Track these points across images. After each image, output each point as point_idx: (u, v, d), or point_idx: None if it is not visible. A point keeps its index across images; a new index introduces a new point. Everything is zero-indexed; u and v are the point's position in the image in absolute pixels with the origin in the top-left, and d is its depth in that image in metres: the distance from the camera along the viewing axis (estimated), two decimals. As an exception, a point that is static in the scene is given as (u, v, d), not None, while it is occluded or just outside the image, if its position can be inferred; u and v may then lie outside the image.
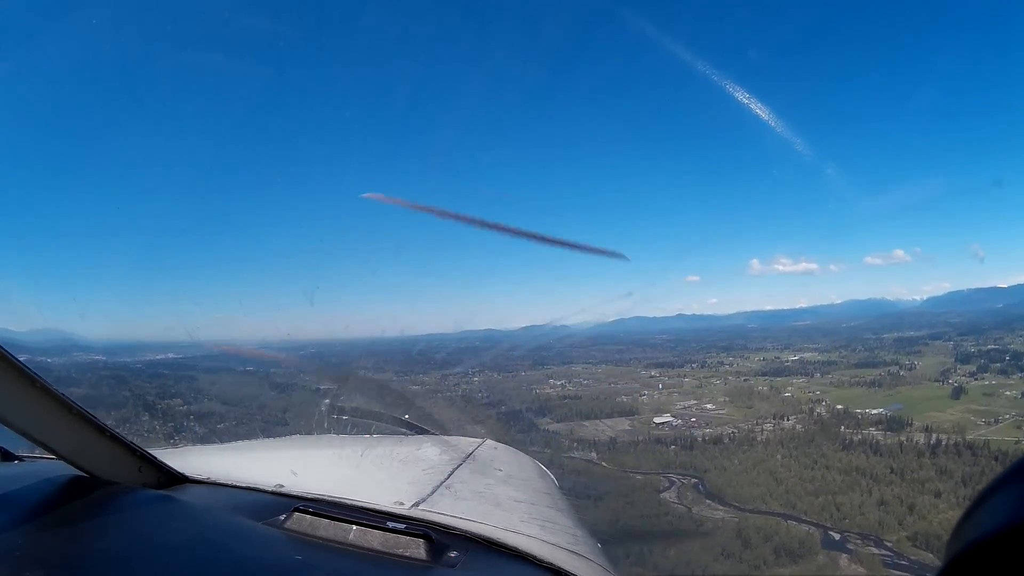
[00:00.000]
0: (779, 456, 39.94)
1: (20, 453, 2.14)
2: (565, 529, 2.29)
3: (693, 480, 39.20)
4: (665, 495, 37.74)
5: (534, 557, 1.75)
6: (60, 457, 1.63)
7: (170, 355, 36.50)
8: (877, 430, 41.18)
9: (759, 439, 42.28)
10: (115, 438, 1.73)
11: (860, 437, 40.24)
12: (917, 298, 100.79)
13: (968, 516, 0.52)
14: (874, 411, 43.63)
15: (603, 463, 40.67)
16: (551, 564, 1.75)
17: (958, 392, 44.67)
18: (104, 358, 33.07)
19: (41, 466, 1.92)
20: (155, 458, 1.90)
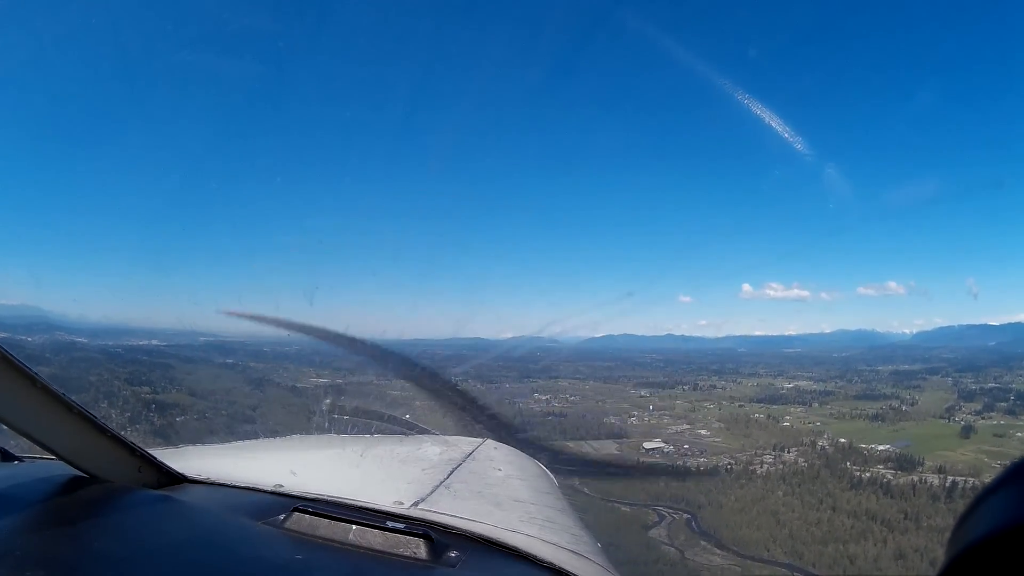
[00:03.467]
0: (780, 493, 34.44)
1: (20, 453, 2.03)
2: (566, 529, 2.15)
3: (686, 516, 33.47)
4: (654, 532, 31.85)
5: (534, 557, 1.67)
6: (60, 457, 1.59)
7: (154, 342, 36.47)
8: (886, 468, 36.32)
9: (758, 472, 36.90)
10: (115, 438, 1.69)
11: (869, 475, 35.12)
12: (907, 331, 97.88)
13: (967, 516, 0.50)
14: (880, 447, 39.00)
15: (585, 490, 34.63)
16: (552, 564, 1.66)
17: (968, 431, 40.65)
18: (86, 340, 32.38)
19: (41, 466, 1.85)
20: (154, 458, 1.85)
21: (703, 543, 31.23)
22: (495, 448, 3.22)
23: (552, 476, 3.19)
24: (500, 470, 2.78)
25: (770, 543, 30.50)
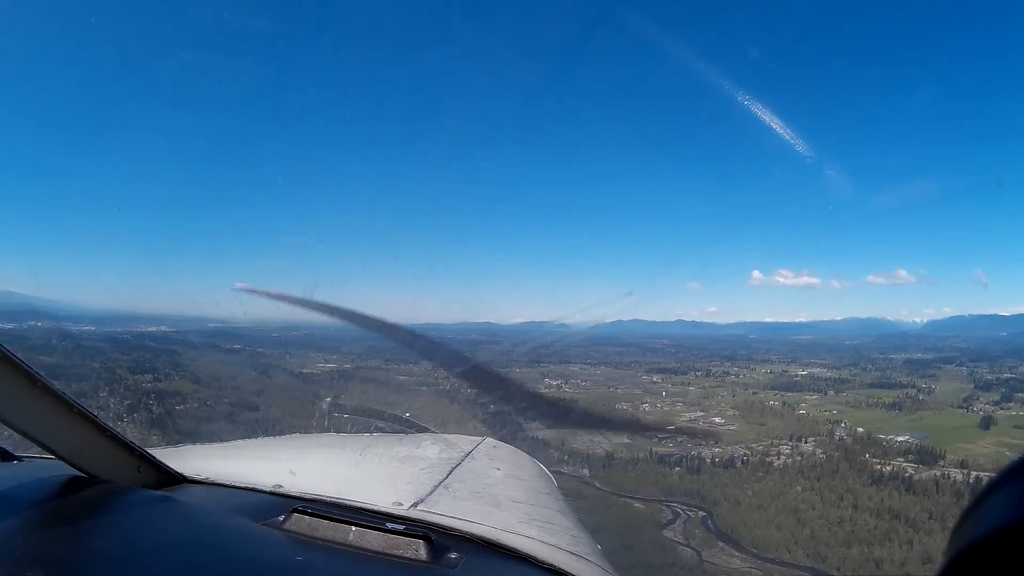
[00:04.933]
0: (799, 487, 32.50)
1: (19, 453, 1.98)
2: (565, 530, 2.13)
3: (701, 513, 31.61)
4: (669, 532, 30.01)
5: (534, 558, 1.64)
6: (59, 457, 1.56)
7: (163, 328, 35.05)
8: (907, 461, 34.34)
9: (776, 464, 34.94)
10: (114, 438, 1.65)
11: (890, 469, 33.22)
12: (917, 320, 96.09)
13: (968, 516, 0.48)
14: (899, 438, 37.10)
15: (596, 483, 32.85)
16: (551, 565, 1.64)
17: (987, 423, 38.81)
18: (93, 328, 30.84)
19: (40, 466, 1.82)
20: (154, 458, 1.82)
21: (720, 544, 29.44)
22: (494, 447, 3.15)
23: (551, 475, 3.12)
24: (499, 469, 2.71)
25: (791, 544, 28.65)
